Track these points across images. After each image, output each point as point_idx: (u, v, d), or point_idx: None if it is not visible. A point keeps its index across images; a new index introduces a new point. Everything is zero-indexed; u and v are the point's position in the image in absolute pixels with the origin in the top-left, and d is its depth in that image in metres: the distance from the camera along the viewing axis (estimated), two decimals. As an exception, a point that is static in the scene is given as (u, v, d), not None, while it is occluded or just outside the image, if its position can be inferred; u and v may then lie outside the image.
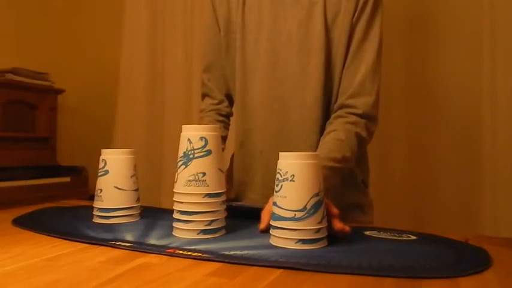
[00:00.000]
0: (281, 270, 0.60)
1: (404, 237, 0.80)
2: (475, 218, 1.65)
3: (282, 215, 0.72)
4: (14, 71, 2.38)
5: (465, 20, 1.70)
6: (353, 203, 1.11)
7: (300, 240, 0.71)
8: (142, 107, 2.44)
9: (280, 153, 0.74)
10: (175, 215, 0.80)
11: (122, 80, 2.49)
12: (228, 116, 1.25)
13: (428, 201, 1.73)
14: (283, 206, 0.72)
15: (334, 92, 1.08)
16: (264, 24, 1.10)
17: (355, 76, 1.05)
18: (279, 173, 0.73)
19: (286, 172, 0.72)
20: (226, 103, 1.23)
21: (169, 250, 0.68)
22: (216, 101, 1.23)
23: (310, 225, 0.71)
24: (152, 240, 0.75)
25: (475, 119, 1.68)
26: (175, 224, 0.80)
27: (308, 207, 0.71)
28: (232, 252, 0.67)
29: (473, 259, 0.67)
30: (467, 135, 1.70)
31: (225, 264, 0.62)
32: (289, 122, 1.09)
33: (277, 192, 0.73)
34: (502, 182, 1.60)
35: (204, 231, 0.78)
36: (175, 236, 0.78)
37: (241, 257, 0.65)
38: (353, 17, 1.05)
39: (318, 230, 0.71)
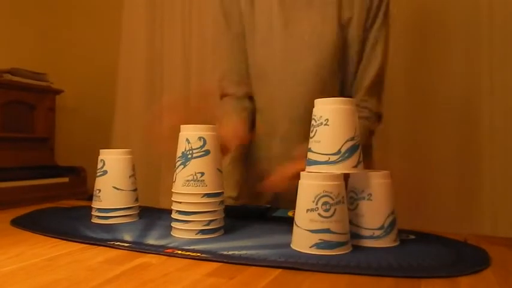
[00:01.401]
0: (280, 270, 0.60)
1: (403, 236, 0.80)
2: (473, 218, 1.65)
3: (317, 159, 0.71)
4: (13, 72, 2.38)
5: (465, 21, 1.70)
6: None
7: None
8: (140, 107, 2.44)
9: (315, 100, 0.75)
10: (174, 215, 0.80)
11: (120, 80, 2.49)
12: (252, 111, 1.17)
13: (427, 201, 1.73)
14: (317, 150, 0.71)
15: (346, 94, 1.11)
16: (275, 27, 1.10)
17: (367, 78, 1.09)
18: (313, 119, 0.74)
19: (321, 117, 0.72)
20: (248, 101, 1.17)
21: (168, 250, 0.68)
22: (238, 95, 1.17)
23: (345, 168, 0.71)
24: (151, 240, 0.75)
25: (474, 119, 1.68)
26: (173, 224, 0.79)
27: (343, 150, 0.70)
28: (230, 252, 0.67)
29: (472, 259, 0.67)
30: (466, 135, 1.70)
31: (224, 264, 0.62)
32: (297, 125, 1.09)
33: (312, 138, 0.74)
34: (500, 182, 1.60)
35: (202, 231, 0.78)
36: (174, 236, 0.78)
37: (240, 257, 0.64)
38: (365, 23, 1.08)
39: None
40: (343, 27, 1.07)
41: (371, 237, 0.72)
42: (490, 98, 1.64)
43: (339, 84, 1.10)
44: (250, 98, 1.18)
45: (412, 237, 0.81)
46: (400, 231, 0.84)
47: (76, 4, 2.89)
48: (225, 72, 1.19)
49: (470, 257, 0.68)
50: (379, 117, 1.12)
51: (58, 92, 2.62)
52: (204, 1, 2.27)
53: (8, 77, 2.36)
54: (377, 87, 1.10)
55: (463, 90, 1.71)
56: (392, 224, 0.74)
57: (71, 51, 2.89)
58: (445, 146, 1.73)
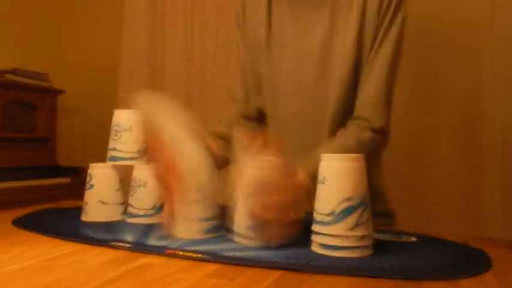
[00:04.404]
0: (281, 271, 0.60)
1: (404, 238, 0.80)
2: (475, 220, 1.65)
3: (315, 218, 0.69)
4: (14, 72, 2.38)
5: (467, 22, 1.71)
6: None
7: (322, 245, 0.68)
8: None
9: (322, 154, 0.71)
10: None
11: (121, 81, 2.49)
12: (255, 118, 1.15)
13: (428, 203, 1.73)
14: (316, 208, 0.70)
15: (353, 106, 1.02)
16: (288, 41, 1.05)
17: (370, 90, 0.99)
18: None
19: (320, 174, 0.70)
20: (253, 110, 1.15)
21: (169, 251, 0.68)
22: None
23: (338, 231, 0.66)
24: (152, 241, 0.75)
25: (475, 120, 1.68)
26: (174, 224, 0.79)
27: (336, 212, 0.66)
28: (232, 254, 0.67)
29: (473, 261, 0.66)
30: (467, 136, 1.70)
31: (225, 265, 0.62)
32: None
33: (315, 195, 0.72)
34: (502, 184, 1.60)
35: (205, 230, 0.78)
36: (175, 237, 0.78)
37: (241, 258, 0.64)
38: (375, 24, 0.97)
39: (346, 238, 0.66)
40: (353, 38, 0.97)
41: (321, 222, 0.68)
42: (493, 100, 1.64)
43: (343, 99, 1.01)
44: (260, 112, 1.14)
45: (413, 239, 0.80)
46: (402, 233, 0.84)
47: (78, 4, 2.90)
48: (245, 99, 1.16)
49: (472, 260, 0.67)
50: (384, 134, 1.04)
51: (59, 92, 2.62)
52: (206, 0, 2.27)
53: (10, 76, 2.36)
54: (382, 100, 1.00)
55: (467, 92, 1.71)
56: (347, 212, 0.66)
57: (72, 52, 2.89)
58: (447, 147, 1.72)
